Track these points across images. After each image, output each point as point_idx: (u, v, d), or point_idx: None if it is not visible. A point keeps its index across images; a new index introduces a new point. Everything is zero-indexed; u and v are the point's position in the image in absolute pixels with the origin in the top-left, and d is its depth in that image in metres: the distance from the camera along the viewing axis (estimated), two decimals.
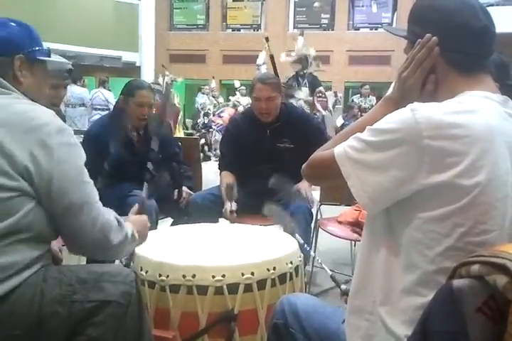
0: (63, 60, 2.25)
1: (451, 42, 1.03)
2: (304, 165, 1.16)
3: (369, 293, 1.02)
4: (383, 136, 0.95)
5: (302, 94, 6.40)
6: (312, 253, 2.00)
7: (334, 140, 1.13)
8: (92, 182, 1.33)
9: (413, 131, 0.91)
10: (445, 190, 0.90)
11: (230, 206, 2.50)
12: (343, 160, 0.99)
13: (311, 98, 6.47)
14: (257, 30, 17.02)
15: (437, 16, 1.04)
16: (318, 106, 6.55)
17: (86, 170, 1.31)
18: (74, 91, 9.33)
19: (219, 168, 2.86)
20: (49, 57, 1.47)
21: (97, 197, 1.32)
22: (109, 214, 1.33)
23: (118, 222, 1.34)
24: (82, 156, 1.31)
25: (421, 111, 0.93)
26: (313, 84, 6.51)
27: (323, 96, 6.61)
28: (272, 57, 6.27)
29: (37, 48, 1.40)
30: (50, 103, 2.25)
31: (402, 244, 0.96)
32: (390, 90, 1.15)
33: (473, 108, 0.95)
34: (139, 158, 2.61)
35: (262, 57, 6.96)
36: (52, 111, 1.31)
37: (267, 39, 6.54)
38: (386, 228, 1.01)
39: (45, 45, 1.51)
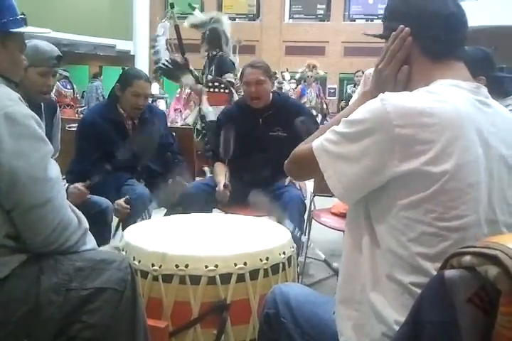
0: (53, 46, 2.20)
1: (422, 30, 1.06)
2: (286, 161, 1.18)
3: (357, 282, 1.03)
4: (355, 127, 0.97)
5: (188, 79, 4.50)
6: (304, 237, 1.97)
7: (314, 135, 1.14)
8: (54, 178, 1.21)
9: (383, 120, 0.93)
10: (415, 177, 0.92)
11: (225, 180, 2.48)
12: (320, 154, 1.02)
13: (198, 86, 4.46)
14: (253, 20, 16.92)
15: (408, 9, 1.09)
16: (200, 102, 4.37)
17: (45, 165, 1.20)
18: None
19: (212, 159, 2.85)
20: (25, 26, 1.29)
21: (59, 195, 1.22)
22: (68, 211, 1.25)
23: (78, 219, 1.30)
24: (39, 150, 1.19)
25: (390, 101, 0.95)
26: (220, 68, 4.46)
27: (224, 87, 4.37)
28: (177, 27, 4.72)
29: (10, 19, 1.23)
30: (39, 91, 2.20)
31: (380, 231, 0.98)
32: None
33: (443, 97, 0.96)
34: (132, 147, 2.59)
35: (162, 28, 4.97)
36: (15, 95, 1.19)
37: (171, 5, 4.95)
38: (366, 216, 1.03)
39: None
